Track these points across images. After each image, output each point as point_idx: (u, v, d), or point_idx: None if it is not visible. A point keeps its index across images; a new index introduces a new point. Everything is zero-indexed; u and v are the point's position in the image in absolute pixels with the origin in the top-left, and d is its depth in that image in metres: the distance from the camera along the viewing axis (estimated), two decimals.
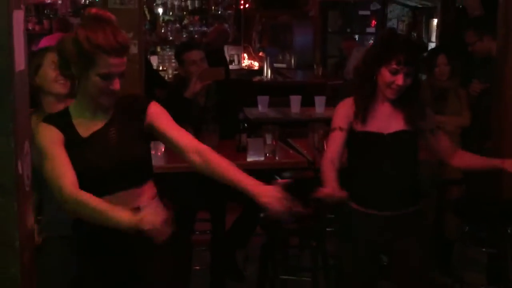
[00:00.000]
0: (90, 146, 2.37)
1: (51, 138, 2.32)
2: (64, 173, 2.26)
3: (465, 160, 3.26)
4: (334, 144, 3.11)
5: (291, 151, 4.43)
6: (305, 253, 4.89)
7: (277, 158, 4.18)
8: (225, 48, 9.47)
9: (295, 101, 6.19)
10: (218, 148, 4.07)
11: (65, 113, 2.43)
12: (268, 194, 2.30)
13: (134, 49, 4.25)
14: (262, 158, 4.13)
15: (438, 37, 7.85)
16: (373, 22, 11.57)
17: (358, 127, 3.09)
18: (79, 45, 2.27)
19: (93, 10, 2.35)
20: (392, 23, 11.34)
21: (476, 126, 4.96)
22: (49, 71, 3.00)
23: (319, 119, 5.67)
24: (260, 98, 6.23)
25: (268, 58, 9.54)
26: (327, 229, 4.53)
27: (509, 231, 4.11)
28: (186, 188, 4.32)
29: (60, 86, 2.99)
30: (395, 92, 3.03)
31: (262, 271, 4.15)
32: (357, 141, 3.11)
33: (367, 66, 3.09)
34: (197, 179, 3.69)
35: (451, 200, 4.83)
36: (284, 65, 10.65)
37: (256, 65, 10.98)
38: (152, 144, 4.37)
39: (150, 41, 10.17)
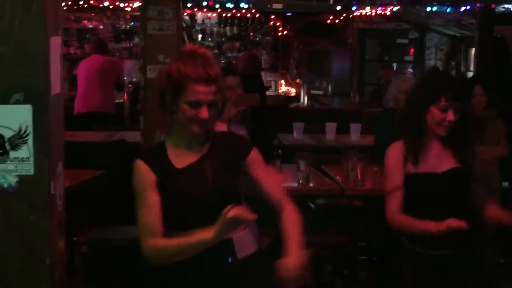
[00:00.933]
0: (184, 178, 2.45)
1: (144, 183, 2.42)
2: (150, 226, 2.39)
3: (496, 214, 3.12)
4: (397, 202, 3.06)
5: (325, 178, 4.43)
6: (338, 281, 4.87)
7: (310, 184, 4.18)
8: (263, 74, 9.52)
9: (331, 128, 6.19)
10: None
11: (161, 146, 2.53)
12: (288, 266, 2.35)
13: None
14: (296, 185, 4.13)
15: (476, 66, 7.80)
16: (412, 51, 11.55)
17: (411, 169, 3.06)
18: (170, 76, 2.41)
19: (188, 46, 2.51)
20: (430, 52, 11.30)
21: None
22: None
23: (354, 146, 5.67)
24: (295, 125, 6.25)
25: (305, 84, 9.57)
26: (360, 257, 4.51)
27: None
28: None
29: None
30: (446, 129, 3.02)
31: None
32: (410, 183, 3.07)
33: (414, 106, 3.09)
34: None
35: (486, 231, 4.76)
36: (321, 92, 10.67)
37: (293, 91, 11.02)
38: None
39: None
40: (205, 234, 2.29)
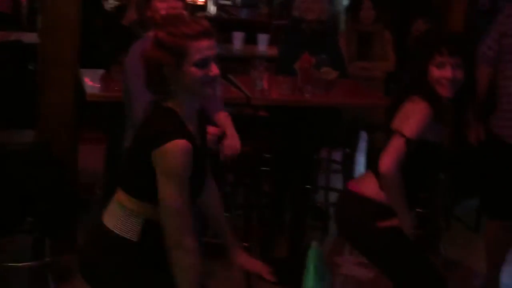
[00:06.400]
0: (203, 156, 2.32)
1: (187, 167, 2.15)
2: (189, 215, 2.17)
3: None
4: (402, 156, 2.72)
5: (231, 87, 4.36)
6: (240, 191, 4.88)
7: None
8: None
9: (238, 37, 6.12)
10: None
11: (178, 119, 2.22)
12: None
13: None
14: None
15: None
16: None
17: (430, 137, 2.81)
18: (164, 45, 2.15)
19: (162, 14, 2.40)
20: None
21: (401, 70, 4.95)
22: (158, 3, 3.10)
23: (261, 56, 5.62)
24: None
25: None
26: (263, 168, 4.52)
27: None
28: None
29: None
30: (447, 88, 2.78)
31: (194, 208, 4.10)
32: (423, 150, 2.80)
33: (418, 69, 2.86)
34: None
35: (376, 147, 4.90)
36: (229, 2, 10.45)
37: (200, 0, 10.74)
38: (83, 72, 4.26)
39: None
40: None
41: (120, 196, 2.27)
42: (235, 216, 4.44)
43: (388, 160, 2.70)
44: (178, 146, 2.12)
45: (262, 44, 6.07)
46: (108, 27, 4.55)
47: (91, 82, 4.00)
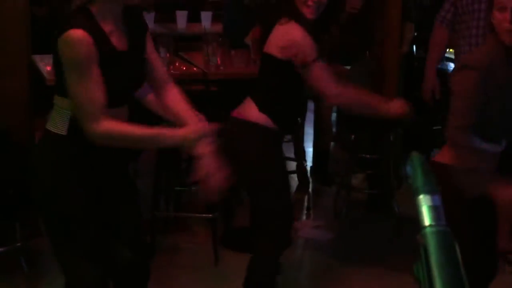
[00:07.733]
0: (123, 62, 2.28)
1: (90, 55, 2.16)
2: (100, 104, 2.19)
3: None
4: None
5: (184, 64, 4.43)
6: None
7: (172, 70, 4.16)
8: None
9: (181, 16, 6.14)
10: None
11: (90, 16, 2.19)
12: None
13: None
14: None
15: None
16: None
17: None
18: None
19: None
20: None
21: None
22: None
23: (207, 34, 5.66)
24: (145, 15, 6.09)
25: None
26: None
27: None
28: None
29: None
30: (312, 9, 2.89)
31: (156, 184, 4.16)
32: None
33: None
34: None
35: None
36: None
37: None
38: (37, 58, 4.22)
39: None
40: (170, 132, 2.26)
41: (54, 98, 2.36)
42: (195, 191, 4.53)
43: (328, 88, 2.96)
44: (72, 35, 2.13)
45: (206, 21, 6.13)
46: (54, 12, 4.52)
47: (48, 67, 4.00)
